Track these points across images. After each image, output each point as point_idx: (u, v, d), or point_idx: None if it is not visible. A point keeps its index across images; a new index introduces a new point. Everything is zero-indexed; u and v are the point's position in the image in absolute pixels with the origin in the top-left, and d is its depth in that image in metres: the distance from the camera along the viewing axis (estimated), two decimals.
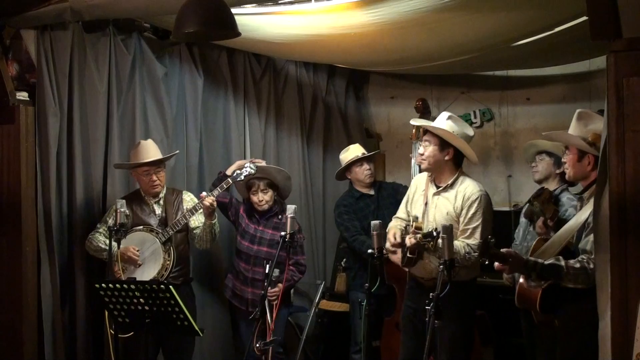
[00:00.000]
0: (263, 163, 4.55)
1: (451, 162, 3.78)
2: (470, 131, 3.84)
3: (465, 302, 3.71)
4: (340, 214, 4.94)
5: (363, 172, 4.92)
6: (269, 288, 3.81)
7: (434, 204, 3.80)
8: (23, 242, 4.32)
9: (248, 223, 4.59)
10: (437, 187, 3.82)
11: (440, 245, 3.38)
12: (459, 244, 3.55)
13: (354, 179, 4.99)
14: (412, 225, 3.67)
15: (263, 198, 4.51)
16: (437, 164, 3.78)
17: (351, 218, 4.84)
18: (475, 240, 3.63)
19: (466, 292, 3.69)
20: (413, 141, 4.73)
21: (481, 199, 3.69)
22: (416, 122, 4.09)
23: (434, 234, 3.42)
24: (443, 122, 3.79)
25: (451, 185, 3.77)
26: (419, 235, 3.51)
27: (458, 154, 3.78)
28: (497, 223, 5.14)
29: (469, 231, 3.65)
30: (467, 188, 3.73)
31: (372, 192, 4.97)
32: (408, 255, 3.62)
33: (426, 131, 3.83)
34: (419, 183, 3.98)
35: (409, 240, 3.55)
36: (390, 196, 4.97)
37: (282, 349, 4.64)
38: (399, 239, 3.67)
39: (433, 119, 4.13)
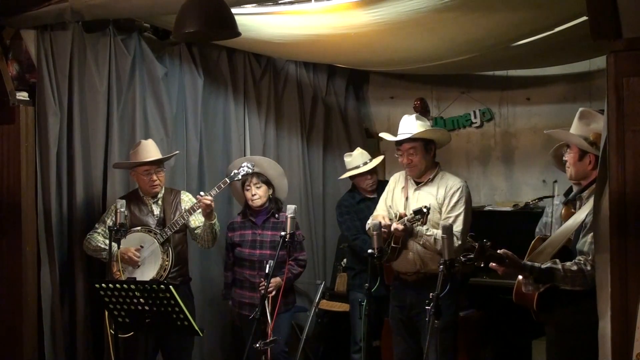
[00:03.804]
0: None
1: (432, 157, 3.98)
2: (427, 120, 4.09)
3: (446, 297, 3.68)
4: (342, 213, 4.94)
5: (366, 183, 4.89)
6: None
7: (415, 198, 3.95)
8: (23, 242, 4.32)
9: (242, 233, 4.54)
10: (417, 183, 3.98)
11: (419, 229, 3.67)
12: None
13: (357, 185, 4.98)
14: (396, 217, 3.82)
15: (256, 192, 4.46)
16: (427, 165, 3.96)
17: (352, 218, 4.84)
18: (459, 227, 3.77)
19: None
20: None
21: (463, 189, 3.90)
22: (386, 136, 4.18)
23: (424, 210, 3.61)
24: (415, 125, 3.94)
25: (432, 180, 3.95)
26: (409, 215, 3.66)
27: (435, 148, 3.98)
28: (497, 223, 5.19)
29: (452, 219, 3.80)
30: (449, 180, 3.94)
31: (374, 195, 4.94)
32: (392, 245, 3.77)
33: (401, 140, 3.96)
34: (397, 180, 4.13)
35: (396, 226, 3.70)
36: None
37: (287, 347, 4.63)
38: (388, 221, 3.81)
39: (432, 119, 4.18)
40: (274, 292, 4.20)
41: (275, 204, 4.56)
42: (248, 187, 4.49)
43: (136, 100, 4.69)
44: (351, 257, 5.00)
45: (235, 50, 5.33)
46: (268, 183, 4.53)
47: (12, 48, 4.41)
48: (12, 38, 4.39)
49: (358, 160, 4.88)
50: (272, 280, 4.19)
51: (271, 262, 3.81)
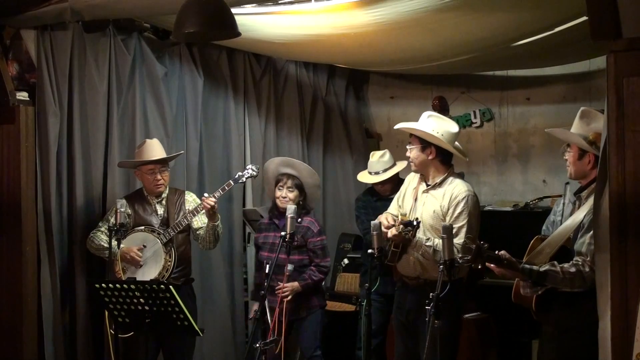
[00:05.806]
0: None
1: (437, 161, 3.80)
2: (453, 128, 3.84)
3: (449, 300, 3.67)
4: (358, 207, 4.99)
5: (379, 189, 4.89)
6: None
7: (422, 201, 3.85)
8: (23, 242, 4.32)
9: (266, 235, 4.49)
10: (427, 184, 3.87)
11: (419, 238, 3.58)
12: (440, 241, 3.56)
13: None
14: (399, 220, 3.73)
15: (287, 195, 4.40)
16: (422, 164, 3.82)
17: (368, 213, 4.83)
18: (460, 240, 3.62)
19: (449, 291, 3.66)
20: None
21: (468, 200, 3.70)
22: (399, 125, 4.05)
23: (414, 223, 3.51)
24: (423, 121, 3.82)
25: (440, 184, 3.80)
26: (400, 226, 3.56)
27: (444, 152, 3.79)
28: (497, 223, 5.19)
29: (454, 230, 3.59)
30: (455, 187, 3.75)
31: (393, 196, 4.92)
32: (392, 249, 3.69)
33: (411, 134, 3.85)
34: (411, 180, 4.02)
35: (391, 232, 3.61)
36: None
37: (320, 351, 4.49)
38: (391, 222, 3.71)
39: (450, 117, 4.12)
40: (289, 297, 4.19)
41: (302, 209, 4.44)
42: (281, 187, 4.43)
43: (136, 100, 4.69)
44: (364, 254, 4.99)
45: (235, 50, 5.33)
46: (301, 189, 4.45)
47: (12, 48, 4.41)
48: (12, 38, 4.39)
49: (375, 166, 4.87)
50: (289, 284, 4.19)
51: (289, 265, 3.84)
